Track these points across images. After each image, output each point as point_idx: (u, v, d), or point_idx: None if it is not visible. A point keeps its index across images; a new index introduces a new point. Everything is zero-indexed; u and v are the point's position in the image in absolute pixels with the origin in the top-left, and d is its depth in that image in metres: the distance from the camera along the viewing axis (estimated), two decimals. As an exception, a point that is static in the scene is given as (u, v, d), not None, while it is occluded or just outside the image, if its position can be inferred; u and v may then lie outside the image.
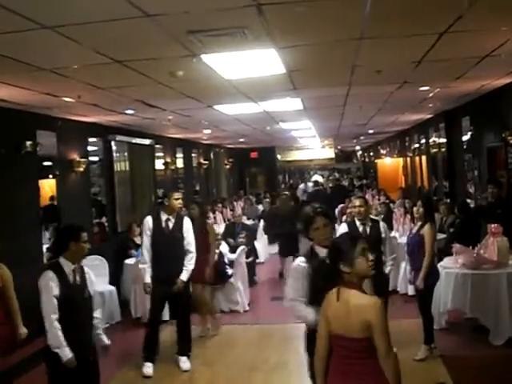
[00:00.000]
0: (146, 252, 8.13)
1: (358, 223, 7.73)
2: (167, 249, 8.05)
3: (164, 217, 8.25)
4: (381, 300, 3.79)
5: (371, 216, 8.63)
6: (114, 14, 4.92)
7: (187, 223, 8.37)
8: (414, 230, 7.87)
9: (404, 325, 8.98)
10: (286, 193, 15.03)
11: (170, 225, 8.25)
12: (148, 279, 8.05)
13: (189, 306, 8.64)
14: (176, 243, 8.18)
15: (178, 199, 8.32)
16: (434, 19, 5.82)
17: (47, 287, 5.21)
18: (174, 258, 8.10)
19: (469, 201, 13.13)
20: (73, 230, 5.52)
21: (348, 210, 10.52)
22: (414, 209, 7.95)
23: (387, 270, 7.54)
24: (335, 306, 3.85)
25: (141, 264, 8.32)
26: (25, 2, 4.46)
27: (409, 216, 12.34)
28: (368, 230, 7.63)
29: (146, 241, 8.17)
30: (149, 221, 8.26)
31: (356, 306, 3.73)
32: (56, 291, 5.20)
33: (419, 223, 7.82)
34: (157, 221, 8.25)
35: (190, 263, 8.20)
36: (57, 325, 5.16)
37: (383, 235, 7.62)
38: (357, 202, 7.84)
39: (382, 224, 7.87)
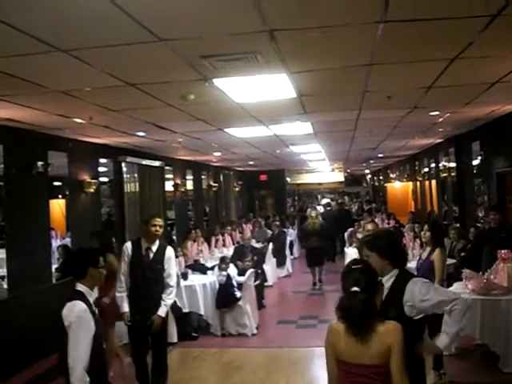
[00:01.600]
0: (124, 280, 7.38)
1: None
2: (145, 280, 7.32)
3: (144, 245, 7.48)
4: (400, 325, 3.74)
5: (348, 253, 8.69)
6: (128, 39, 4.99)
7: (169, 253, 7.62)
8: (424, 256, 7.81)
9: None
10: (313, 214, 17.19)
11: (151, 254, 7.48)
12: (126, 308, 7.32)
13: (166, 341, 7.92)
14: (155, 275, 7.41)
15: (155, 225, 7.46)
16: (444, 45, 5.86)
17: (83, 324, 4.39)
18: (152, 291, 7.32)
19: (479, 225, 13.11)
20: (92, 254, 4.94)
21: (359, 236, 10.39)
22: (422, 233, 7.88)
23: None
24: (349, 335, 3.75)
25: (118, 292, 7.43)
26: (41, 25, 4.53)
27: (418, 241, 12.34)
28: None
29: (125, 268, 7.42)
30: (128, 247, 7.53)
31: (380, 333, 3.69)
32: (93, 328, 4.45)
33: (428, 248, 7.77)
34: (137, 248, 7.49)
35: (169, 298, 7.44)
36: (86, 374, 4.30)
37: None
38: (369, 227, 7.74)
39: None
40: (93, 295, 4.75)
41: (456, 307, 4.30)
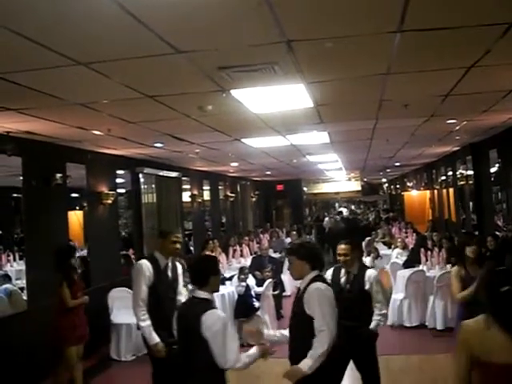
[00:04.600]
0: (145, 306, 6.39)
1: (343, 271, 6.75)
2: (167, 302, 6.41)
3: (162, 262, 6.69)
4: None
5: (366, 263, 8.42)
6: (146, 51, 5.03)
7: (181, 269, 6.97)
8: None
9: (436, 360, 8.90)
10: (337, 218, 20.62)
11: (169, 272, 6.74)
12: (157, 337, 6.32)
13: None
14: (175, 295, 6.71)
15: (175, 242, 6.76)
16: (461, 54, 5.85)
17: (228, 327, 4.67)
18: (172, 314, 5.78)
19: (498, 233, 13.04)
20: (213, 262, 5.15)
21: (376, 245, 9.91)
22: (468, 249, 7.46)
23: (372, 325, 6.47)
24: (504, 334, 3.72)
25: (142, 322, 6.40)
26: (61, 39, 4.58)
27: (437, 249, 12.29)
28: (351, 279, 6.64)
29: (144, 292, 6.41)
30: (148, 267, 6.53)
31: None
32: None
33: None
34: (156, 267, 6.59)
35: None
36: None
37: (367, 287, 6.56)
38: (341, 247, 6.73)
39: (369, 273, 6.68)
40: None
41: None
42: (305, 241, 5.61)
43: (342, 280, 6.68)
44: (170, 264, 6.79)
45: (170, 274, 6.76)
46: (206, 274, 4.87)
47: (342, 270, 6.74)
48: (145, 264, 6.58)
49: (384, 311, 6.60)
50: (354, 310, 6.24)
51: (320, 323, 4.84)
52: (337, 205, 45.85)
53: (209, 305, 4.75)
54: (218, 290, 5.19)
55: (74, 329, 7.92)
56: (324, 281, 5.10)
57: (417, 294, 11.54)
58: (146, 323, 6.36)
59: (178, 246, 6.82)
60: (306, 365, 4.83)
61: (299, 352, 4.94)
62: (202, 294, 4.81)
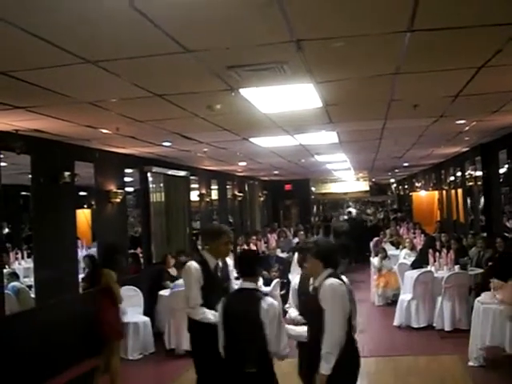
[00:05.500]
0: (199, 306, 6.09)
1: (311, 279, 5.86)
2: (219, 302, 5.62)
3: (212, 262, 6.36)
4: None
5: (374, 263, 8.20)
6: (156, 50, 5.02)
7: (231, 264, 6.61)
8: None
9: (444, 361, 8.88)
10: (341, 221, 22.05)
11: (219, 272, 6.47)
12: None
13: None
14: (226, 294, 5.94)
15: (227, 243, 6.48)
16: (472, 53, 5.81)
17: (280, 312, 5.17)
18: None
19: (506, 234, 12.99)
20: (260, 255, 5.75)
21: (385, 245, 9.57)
22: None
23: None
24: None
25: (202, 314, 6.04)
26: (70, 37, 4.57)
27: (445, 250, 12.24)
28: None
29: (197, 295, 6.11)
30: (196, 268, 6.22)
31: None
32: None
33: None
34: (206, 269, 6.27)
35: None
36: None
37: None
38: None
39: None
40: None
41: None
42: (322, 239, 5.64)
43: (311, 288, 5.93)
44: (220, 264, 6.52)
45: (220, 273, 6.49)
46: (254, 265, 5.37)
47: (311, 279, 6.01)
48: (193, 266, 6.28)
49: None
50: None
51: (326, 323, 4.84)
52: (350, 204, 45.84)
53: (262, 293, 5.26)
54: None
55: (119, 323, 8.32)
56: (338, 277, 5.09)
57: (425, 295, 11.52)
58: (205, 311, 6.04)
59: (231, 246, 6.70)
60: (322, 368, 4.83)
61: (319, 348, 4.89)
62: (251, 285, 5.22)
